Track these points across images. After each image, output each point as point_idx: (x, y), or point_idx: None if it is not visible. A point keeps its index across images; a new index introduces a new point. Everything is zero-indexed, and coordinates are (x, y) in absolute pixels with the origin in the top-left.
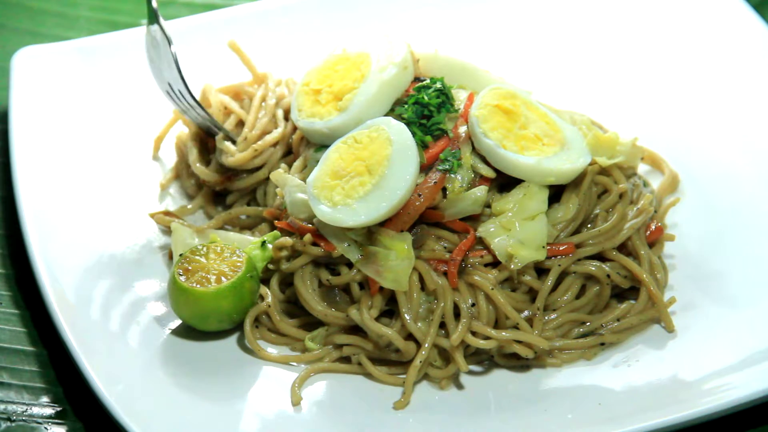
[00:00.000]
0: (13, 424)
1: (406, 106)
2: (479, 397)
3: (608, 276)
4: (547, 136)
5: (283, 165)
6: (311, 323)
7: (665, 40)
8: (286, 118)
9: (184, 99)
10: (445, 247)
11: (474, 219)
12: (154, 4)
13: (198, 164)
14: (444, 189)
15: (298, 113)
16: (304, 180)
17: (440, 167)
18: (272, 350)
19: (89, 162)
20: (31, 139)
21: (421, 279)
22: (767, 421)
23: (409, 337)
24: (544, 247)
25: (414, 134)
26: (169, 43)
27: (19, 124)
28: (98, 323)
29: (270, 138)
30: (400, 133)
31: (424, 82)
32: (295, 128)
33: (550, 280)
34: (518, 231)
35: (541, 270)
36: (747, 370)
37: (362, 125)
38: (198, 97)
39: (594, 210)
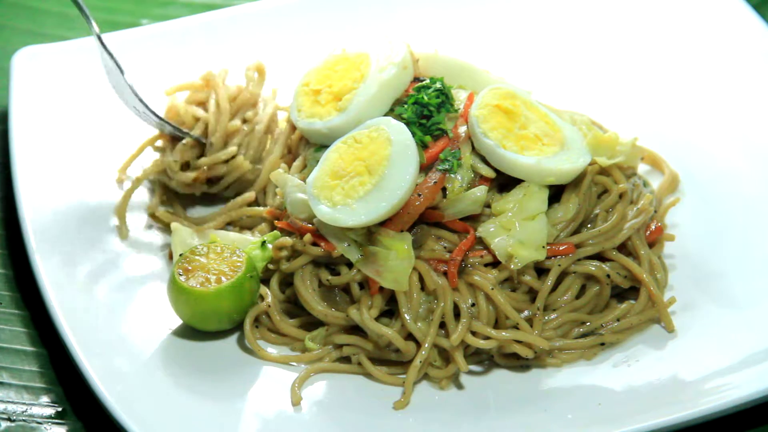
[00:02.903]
0: (13, 424)
1: (405, 106)
2: (479, 397)
3: (608, 276)
4: (547, 136)
5: (283, 165)
6: (311, 323)
7: (665, 40)
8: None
9: (152, 116)
10: (445, 247)
11: (474, 219)
12: (96, 29)
13: (178, 171)
14: (444, 189)
15: (297, 113)
16: (304, 180)
17: (440, 167)
18: (272, 350)
19: (89, 162)
20: (31, 139)
21: (421, 279)
22: (767, 421)
23: (409, 337)
24: (544, 247)
25: (414, 134)
26: (122, 72)
27: (19, 124)
28: (98, 323)
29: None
30: (399, 133)
31: (424, 82)
32: (291, 127)
33: (550, 280)
34: (518, 231)
35: (541, 270)
36: (747, 370)
37: (362, 125)
38: (165, 111)
39: (594, 210)
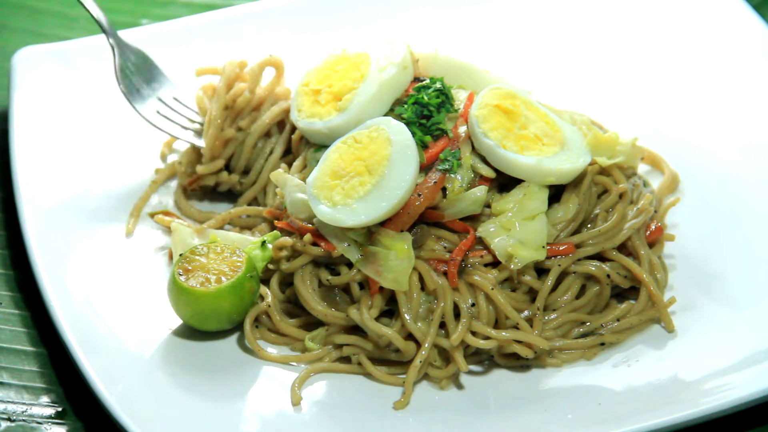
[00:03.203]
0: (13, 424)
1: (405, 106)
2: (479, 397)
3: (608, 276)
4: (547, 136)
5: (283, 165)
6: (311, 323)
7: (665, 40)
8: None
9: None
10: (445, 247)
11: (474, 219)
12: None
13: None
14: (444, 189)
15: (297, 113)
16: (304, 180)
17: (440, 167)
18: (272, 350)
19: (89, 162)
20: (32, 139)
21: (421, 279)
22: (767, 421)
23: (409, 337)
24: (544, 247)
25: (414, 134)
26: (118, 81)
27: (20, 124)
28: (98, 323)
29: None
30: (399, 133)
31: (424, 82)
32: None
33: (550, 280)
34: (518, 231)
35: (541, 270)
36: (747, 370)
37: (362, 125)
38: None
39: (594, 210)
